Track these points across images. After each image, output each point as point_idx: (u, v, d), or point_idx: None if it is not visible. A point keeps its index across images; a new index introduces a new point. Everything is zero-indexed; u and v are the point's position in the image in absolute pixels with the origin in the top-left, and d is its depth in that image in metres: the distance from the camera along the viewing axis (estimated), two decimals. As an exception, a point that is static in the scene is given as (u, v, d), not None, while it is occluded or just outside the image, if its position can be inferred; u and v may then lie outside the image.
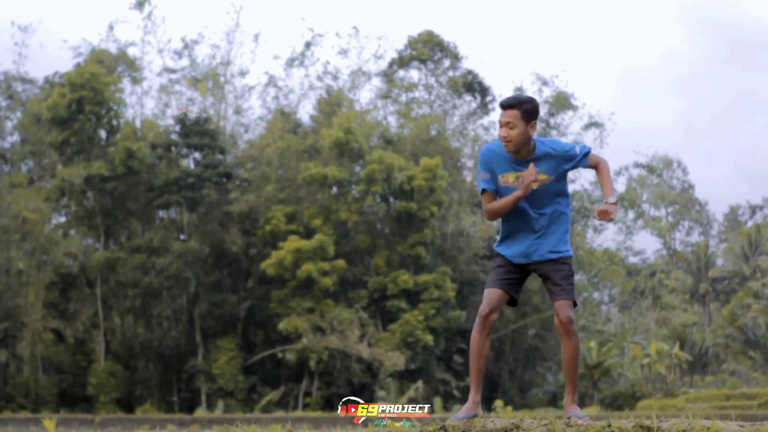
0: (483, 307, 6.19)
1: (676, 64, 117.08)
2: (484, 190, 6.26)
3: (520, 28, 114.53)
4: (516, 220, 6.27)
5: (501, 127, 6.11)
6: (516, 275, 6.32)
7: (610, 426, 5.54)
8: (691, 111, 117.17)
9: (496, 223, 46.11)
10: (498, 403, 33.77)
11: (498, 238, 6.43)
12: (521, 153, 6.16)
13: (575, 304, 6.22)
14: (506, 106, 6.12)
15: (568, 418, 6.01)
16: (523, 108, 6.09)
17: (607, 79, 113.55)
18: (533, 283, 53.89)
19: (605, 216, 6.05)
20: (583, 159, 6.20)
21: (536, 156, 6.15)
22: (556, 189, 6.23)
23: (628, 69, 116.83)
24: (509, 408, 33.17)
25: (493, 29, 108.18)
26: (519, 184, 6.15)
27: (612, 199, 6.10)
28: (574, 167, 6.18)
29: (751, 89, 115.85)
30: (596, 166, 6.24)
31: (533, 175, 6.08)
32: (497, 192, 6.24)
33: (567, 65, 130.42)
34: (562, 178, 6.25)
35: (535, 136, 6.23)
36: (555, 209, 6.27)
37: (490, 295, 6.23)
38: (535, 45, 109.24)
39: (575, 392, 6.25)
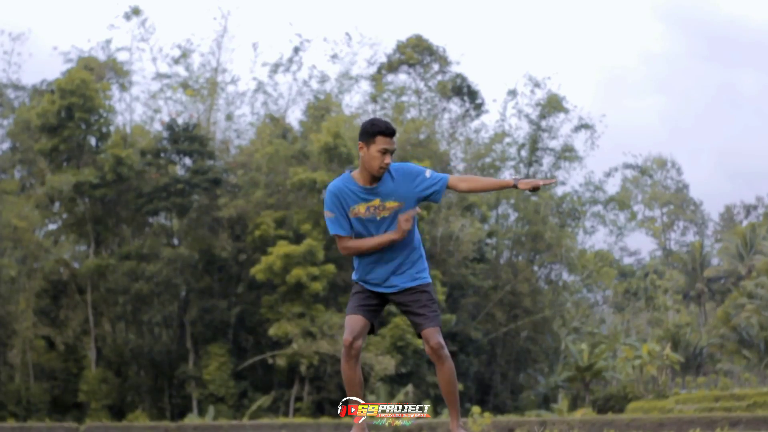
0: (346, 336, 6.10)
1: (655, 62, 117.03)
2: (338, 235, 6.17)
3: (510, 30, 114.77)
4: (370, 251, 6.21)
5: (387, 153, 6.04)
6: (375, 301, 6.26)
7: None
8: (674, 109, 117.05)
9: (487, 227, 46.22)
10: (475, 409, 33.64)
11: (354, 267, 6.36)
12: (368, 179, 6.11)
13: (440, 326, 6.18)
14: (393, 132, 6.08)
15: None
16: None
17: (588, 79, 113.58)
18: (523, 285, 53.95)
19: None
20: (438, 184, 6.11)
21: (385, 181, 6.09)
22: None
23: (605, 68, 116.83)
24: (487, 414, 33.06)
25: (483, 32, 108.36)
26: (371, 214, 6.09)
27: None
28: (428, 193, 6.09)
29: (731, 86, 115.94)
30: (466, 181, 6.13)
31: (410, 221, 6.04)
32: (351, 227, 6.16)
33: (556, 67, 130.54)
34: (413, 204, 6.16)
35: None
36: (408, 236, 6.19)
37: (352, 322, 6.14)
38: (526, 47, 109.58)
39: (458, 415, 6.25)
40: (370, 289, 6.25)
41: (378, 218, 6.11)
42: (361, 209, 6.12)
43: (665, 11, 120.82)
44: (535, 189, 5.96)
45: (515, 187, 5.98)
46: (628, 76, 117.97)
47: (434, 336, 6.08)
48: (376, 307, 6.26)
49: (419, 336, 6.20)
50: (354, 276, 6.36)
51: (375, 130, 6.06)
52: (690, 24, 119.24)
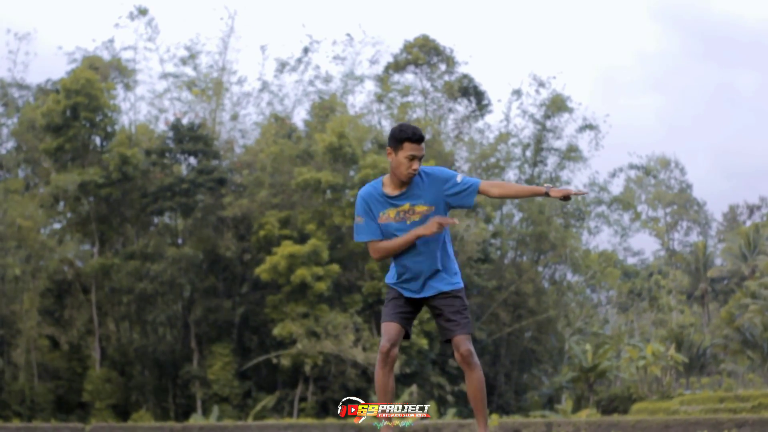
0: (384, 343, 6.14)
1: (653, 61, 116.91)
2: (370, 240, 6.20)
3: (514, 29, 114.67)
4: (405, 254, 6.21)
5: (415, 159, 6.06)
6: (409, 308, 6.28)
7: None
8: (672, 108, 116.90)
9: (492, 227, 46.07)
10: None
11: (390, 272, 6.36)
12: (397, 183, 6.14)
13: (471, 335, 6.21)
14: (421, 138, 6.10)
15: None
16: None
17: (586, 79, 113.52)
18: (528, 285, 53.92)
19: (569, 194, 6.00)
20: (469, 189, 6.11)
21: (415, 185, 6.13)
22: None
23: (602, 68, 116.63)
24: (494, 416, 33.06)
25: (488, 31, 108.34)
26: (401, 218, 6.12)
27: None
28: (458, 199, 6.10)
29: (729, 85, 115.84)
30: (498, 186, 6.14)
31: (443, 222, 6.06)
32: (382, 233, 6.19)
33: (560, 67, 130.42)
34: (443, 208, 6.19)
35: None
36: (441, 240, 6.24)
37: (390, 330, 6.18)
38: (530, 47, 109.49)
39: (486, 423, 6.25)
40: (405, 295, 6.27)
41: (408, 222, 6.13)
42: (390, 214, 6.17)
43: (659, 10, 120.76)
44: (566, 198, 5.98)
45: (547, 194, 6.02)
46: (623, 76, 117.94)
47: (464, 343, 6.11)
48: (411, 315, 6.30)
49: (447, 342, 6.23)
50: (389, 279, 6.38)
51: (402, 137, 6.06)
52: (685, 23, 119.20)
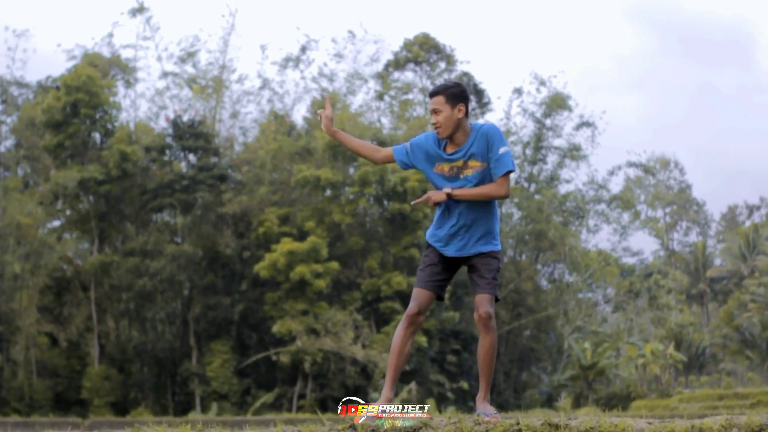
0: (412, 307, 6.21)
1: (633, 62, 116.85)
2: (396, 151, 6.40)
3: (515, 29, 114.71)
4: (451, 212, 6.26)
5: (431, 115, 6.21)
6: (445, 275, 6.34)
7: (518, 424, 5.54)
8: (653, 109, 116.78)
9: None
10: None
11: (431, 230, 6.39)
12: (456, 139, 6.21)
13: (497, 300, 6.23)
14: (432, 93, 6.24)
15: (478, 415, 6.01)
16: (448, 92, 6.19)
17: (583, 78, 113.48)
18: (527, 284, 53.91)
19: (429, 198, 6.22)
20: (496, 168, 6.18)
21: (471, 141, 6.19)
22: (491, 176, 6.20)
23: (581, 69, 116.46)
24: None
25: (488, 29, 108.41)
26: (454, 173, 6.21)
27: (447, 189, 6.21)
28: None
29: (710, 84, 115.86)
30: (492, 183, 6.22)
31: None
32: (408, 166, 6.38)
33: (560, 65, 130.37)
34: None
35: (475, 121, 6.35)
36: (494, 203, 6.34)
37: (421, 296, 6.26)
38: (531, 45, 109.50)
39: (488, 389, 6.25)
40: (447, 254, 6.31)
41: (461, 177, 6.22)
42: (445, 167, 6.27)
43: (633, 11, 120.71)
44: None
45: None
46: (605, 77, 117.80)
47: (486, 303, 6.12)
48: (445, 281, 6.36)
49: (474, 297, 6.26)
50: (429, 237, 6.41)
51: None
52: (661, 22, 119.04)
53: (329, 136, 6.50)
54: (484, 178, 6.16)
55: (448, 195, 6.13)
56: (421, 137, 6.34)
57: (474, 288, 6.21)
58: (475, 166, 6.17)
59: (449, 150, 6.24)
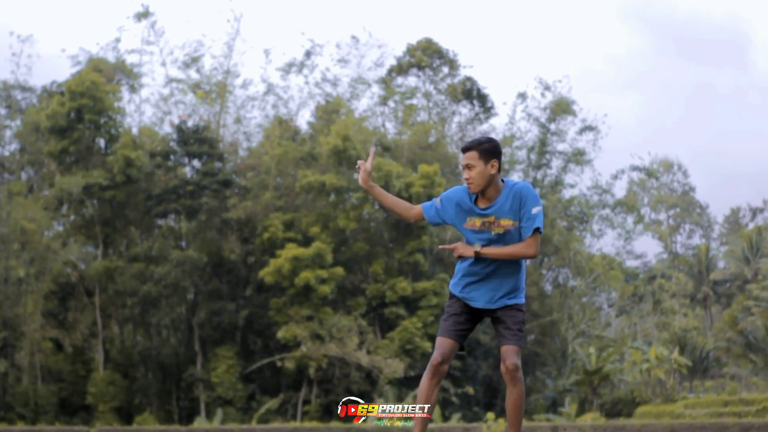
0: (435, 356, 6.25)
1: (629, 63, 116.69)
2: (425, 210, 6.43)
3: (519, 33, 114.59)
4: (480, 266, 6.29)
5: (463, 170, 6.23)
6: (468, 325, 6.40)
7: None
8: (649, 110, 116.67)
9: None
10: (489, 415, 33.67)
11: (454, 280, 6.42)
12: (488, 194, 6.21)
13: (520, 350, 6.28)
14: (465, 148, 6.26)
15: None
16: (481, 148, 6.18)
17: (583, 80, 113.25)
18: (531, 288, 53.87)
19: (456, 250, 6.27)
20: (526, 228, 6.22)
21: (504, 197, 6.21)
22: (519, 234, 6.24)
23: (577, 70, 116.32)
24: (501, 420, 33.06)
25: (491, 34, 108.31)
26: (486, 228, 6.23)
27: (477, 248, 6.24)
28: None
29: (707, 84, 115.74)
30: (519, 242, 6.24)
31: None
32: (438, 223, 6.46)
33: (565, 70, 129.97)
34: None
35: (510, 179, 6.35)
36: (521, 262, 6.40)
37: (443, 345, 6.30)
38: (533, 48, 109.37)
39: None
40: (474, 306, 6.35)
41: (492, 233, 6.25)
42: (477, 222, 6.30)
43: (626, 10, 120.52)
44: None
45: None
46: (600, 78, 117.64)
47: (512, 356, 6.18)
48: (468, 331, 6.44)
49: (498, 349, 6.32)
50: (453, 289, 6.46)
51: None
52: (655, 22, 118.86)
53: (364, 188, 6.49)
54: (515, 236, 6.18)
55: (477, 253, 6.15)
56: (451, 191, 6.39)
57: (500, 339, 6.27)
58: (506, 225, 6.21)
59: (481, 204, 6.28)
